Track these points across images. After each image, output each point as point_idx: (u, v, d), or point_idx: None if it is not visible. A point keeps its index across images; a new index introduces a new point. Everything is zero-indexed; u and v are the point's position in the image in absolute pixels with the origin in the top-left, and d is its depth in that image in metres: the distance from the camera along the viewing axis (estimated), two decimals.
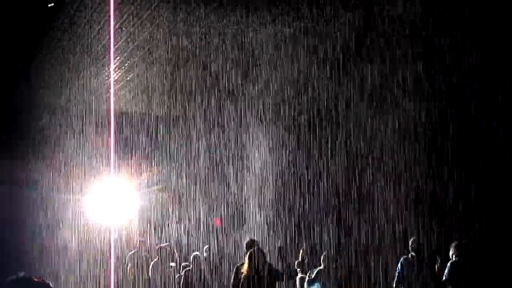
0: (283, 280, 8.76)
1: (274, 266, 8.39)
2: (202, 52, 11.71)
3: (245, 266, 7.41)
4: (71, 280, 13.35)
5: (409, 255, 10.09)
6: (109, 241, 12.93)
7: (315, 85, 12.34)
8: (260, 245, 9.52)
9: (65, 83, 13.21)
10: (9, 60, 12.43)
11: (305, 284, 11.01)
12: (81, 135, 13.68)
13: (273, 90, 13.02)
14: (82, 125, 13.69)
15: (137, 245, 12.68)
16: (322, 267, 10.88)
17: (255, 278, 7.17)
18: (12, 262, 12.19)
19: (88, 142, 13.58)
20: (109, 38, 10.97)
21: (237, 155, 14.45)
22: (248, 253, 7.58)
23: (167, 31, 11.06)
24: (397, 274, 10.15)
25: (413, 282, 9.96)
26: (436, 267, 9.68)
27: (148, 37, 11.29)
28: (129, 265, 12.21)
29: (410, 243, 10.20)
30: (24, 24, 11.11)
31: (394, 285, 10.18)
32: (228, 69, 12.27)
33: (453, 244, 9.24)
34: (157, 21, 10.78)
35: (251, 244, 8.57)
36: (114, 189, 14.11)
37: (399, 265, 10.16)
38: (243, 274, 7.35)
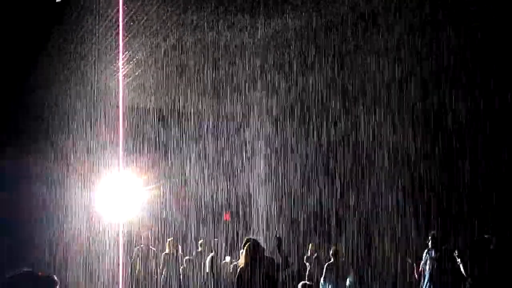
0: (282, 269, 8.64)
1: (275, 259, 8.25)
2: (211, 47, 11.66)
3: (241, 259, 7.34)
4: (80, 274, 13.39)
5: (429, 249, 10.21)
6: (118, 235, 13.00)
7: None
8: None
9: (74, 78, 13.20)
10: (11, 58, 12.42)
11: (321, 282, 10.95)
12: (89, 130, 13.68)
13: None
14: (91, 120, 13.68)
15: (141, 239, 12.73)
16: (331, 261, 10.81)
17: (251, 268, 7.04)
18: (20, 258, 12.21)
19: (97, 137, 13.58)
20: (118, 33, 10.94)
21: (245, 149, 14.40)
22: (244, 246, 7.49)
23: (175, 25, 11.00)
24: (422, 267, 10.34)
25: (434, 275, 10.05)
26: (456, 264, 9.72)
27: (157, 32, 11.25)
28: (136, 259, 12.28)
29: (429, 238, 10.26)
30: (32, 20, 11.09)
31: (422, 279, 10.31)
32: (237, 64, 12.22)
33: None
34: (166, 15, 10.73)
35: (247, 240, 8.52)
36: (122, 184, 14.15)
37: (423, 258, 10.32)
38: (239, 267, 7.26)
